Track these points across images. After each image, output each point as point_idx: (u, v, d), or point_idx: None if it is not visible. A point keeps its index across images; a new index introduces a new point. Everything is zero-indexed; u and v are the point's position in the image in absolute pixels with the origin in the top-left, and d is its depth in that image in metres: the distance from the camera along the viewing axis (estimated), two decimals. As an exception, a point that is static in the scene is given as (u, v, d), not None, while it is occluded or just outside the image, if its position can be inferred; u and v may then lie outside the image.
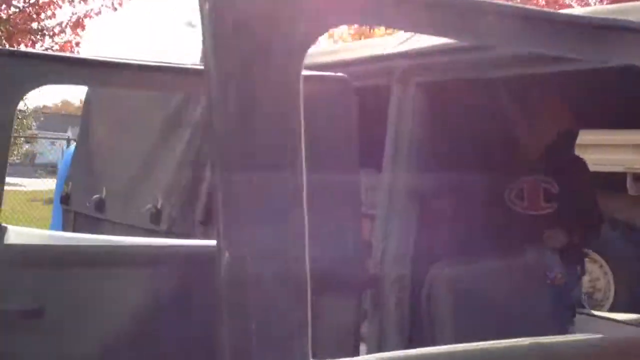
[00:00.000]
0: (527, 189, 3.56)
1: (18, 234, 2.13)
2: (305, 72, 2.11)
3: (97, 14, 13.00)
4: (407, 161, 2.41)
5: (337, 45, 8.85)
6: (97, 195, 3.48)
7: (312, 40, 0.95)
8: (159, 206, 3.23)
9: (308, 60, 1.05)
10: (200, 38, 0.93)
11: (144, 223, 3.28)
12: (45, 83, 2.11)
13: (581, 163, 3.79)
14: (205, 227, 3.17)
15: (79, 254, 2.15)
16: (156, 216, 3.22)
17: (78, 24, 12.92)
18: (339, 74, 2.29)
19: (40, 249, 2.15)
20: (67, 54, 9.04)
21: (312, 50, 1.01)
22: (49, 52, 7.92)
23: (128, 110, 3.51)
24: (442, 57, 2.32)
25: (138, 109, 3.50)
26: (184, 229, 3.14)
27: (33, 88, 2.10)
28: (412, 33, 2.37)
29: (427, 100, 2.46)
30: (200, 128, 3.12)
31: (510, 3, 1.13)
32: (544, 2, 12.14)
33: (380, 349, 2.35)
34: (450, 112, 2.56)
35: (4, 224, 2.14)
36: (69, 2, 12.88)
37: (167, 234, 3.19)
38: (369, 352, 2.35)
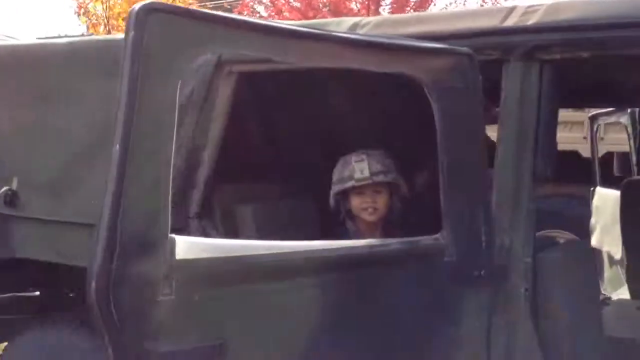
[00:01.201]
0: None
1: (189, 246, 1.78)
2: (429, 44, 1.90)
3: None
4: (529, 147, 2.21)
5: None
6: (6, 188, 3.01)
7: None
8: (127, 199, 2.97)
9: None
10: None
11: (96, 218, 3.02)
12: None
13: None
14: (201, 220, 2.89)
15: (266, 265, 1.83)
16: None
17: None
18: (463, 48, 2.14)
19: (220, 262, 1.80)
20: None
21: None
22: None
23: (48, 81, 3.08)
24: (585, 34, 2.13)
25: (67, 80, 3.09)
26: (173, 224, 2.87)
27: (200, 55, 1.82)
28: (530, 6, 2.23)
29: (554, 81, 2.25)
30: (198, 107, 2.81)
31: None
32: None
33: (508, 348, 2.16)
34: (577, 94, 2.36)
35: (172, 235, 1.75)
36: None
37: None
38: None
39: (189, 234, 2.82)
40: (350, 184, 2.91)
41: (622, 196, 4.09)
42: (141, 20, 1.62)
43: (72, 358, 3.12)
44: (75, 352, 3.15)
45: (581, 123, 8.39)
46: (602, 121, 5.83)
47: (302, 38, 1.90)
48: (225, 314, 1.74)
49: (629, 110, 5.14)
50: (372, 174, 2.89)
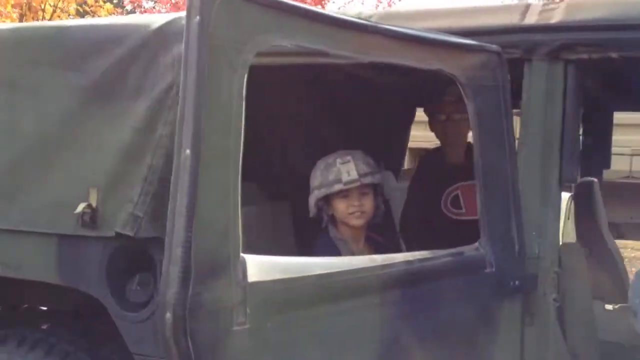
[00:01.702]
0: (464, 195, 3.46)
1: (260, 266, 1.56)
2: (464, 40, 1.72)
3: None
4: (555, 150, 2.10)
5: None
6: None
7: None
8: (94, 204, 2.66)
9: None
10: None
11: (58, 226, 2.70)
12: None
13: None
14: None
15: (337, 284, 1.66)
16: (91, 217, 2.65)
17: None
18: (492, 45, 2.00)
19: (294, 284, 1.62)
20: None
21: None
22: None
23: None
24: (615, 33, 2.04)
25: (13, 70, 2.81)
26: (151, 232, 2.59)
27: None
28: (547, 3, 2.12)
29: (578, 81, 2.14)
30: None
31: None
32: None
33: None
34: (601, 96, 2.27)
35: (243, 255, 1.53)
36: None
37: (113, 239, 2.63)
38: None
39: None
40: (337, 187, 2.75)
41: (575, 197, 4.16)
42: (207, 4, 1.38)
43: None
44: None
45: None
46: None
47: (359, 30, 1.72)
48: (298, 340, 1.53)
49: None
50: (360, 175, 2.74)
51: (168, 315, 1.34)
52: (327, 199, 2.80)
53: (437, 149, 3.88)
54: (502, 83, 2.07)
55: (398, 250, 2.99)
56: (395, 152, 5.00)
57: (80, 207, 2.62)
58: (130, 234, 2.54)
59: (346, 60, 2.33)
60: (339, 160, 2.76)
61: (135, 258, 2.67)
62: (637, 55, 2.11)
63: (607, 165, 4.51)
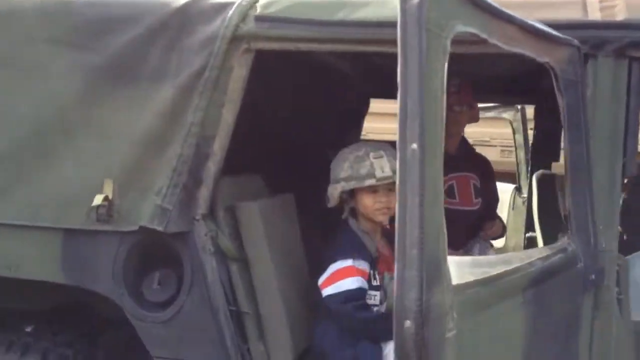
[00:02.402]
0: (458, 185, 3.48)
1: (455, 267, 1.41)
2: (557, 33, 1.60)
3: None
4: (620, 146, 2.09)
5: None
6: None
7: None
8: (110, 196, 2.42)
9: None
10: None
11: (65, 220, 2.45)
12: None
13: (486, 159, 3.90)
14: (207, 223, 2.45)
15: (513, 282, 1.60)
16: (107, 210, 2.41)
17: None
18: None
19: (487, 284, 1.52)
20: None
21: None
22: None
23: None
24: None
25: (7, 48, 2.55)
26: (181, 226, 2.38)
27: None
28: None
29: None
30: (209, 90, 2.36)
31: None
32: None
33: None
34: None
35: None
36: None
37: (130, 234, 2.40)
38: None
39: (192, 239, 2.41)
40: (369, 182, 2.63)
41: (538, 187, 4.29)
42: None
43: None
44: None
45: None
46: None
47: (508, 21, 1.65)
48: (483, 341, 1.45)
49: (519, 107, 5.42)
50: (393, 172, 2.65)
51: (408, 323, 1.21)
52: (352, 192, 2.72)
53: None
54: (582, 78, 2.09)
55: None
56: (348, 144, 4.97)
57: (97, 200, 2.39)
58: (160, 228, 2.35)
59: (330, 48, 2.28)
60: (372, 155, 2.65)
61: (156, 254, 2.48)
62: None
63: (557, 158, 4.70)
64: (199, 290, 2.40)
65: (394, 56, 3.15)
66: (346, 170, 2.66)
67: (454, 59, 1.58)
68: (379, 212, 2.70)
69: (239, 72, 2.41)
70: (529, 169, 4.99)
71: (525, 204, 5.09)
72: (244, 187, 2.74)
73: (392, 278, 2.84)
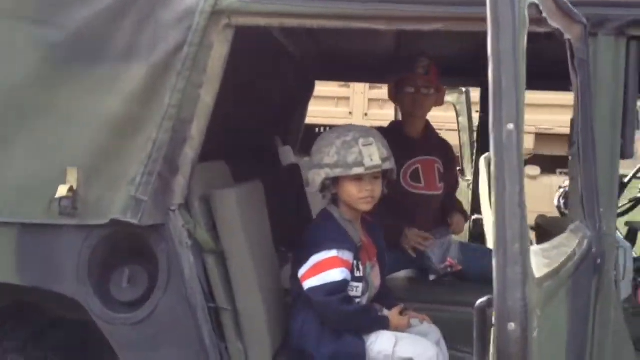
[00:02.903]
0: (423, 170, 3.43)
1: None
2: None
3: None
4: (619, 126, 2.03)
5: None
6: None
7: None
8: (74, 186, 2.18)
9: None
10: None
11: (21, 214, 2.21)
12: None
13: (448, 143, 3.85)
14: (183, 213, 2.24)
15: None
16: (71, 202, 2.17)
17: None
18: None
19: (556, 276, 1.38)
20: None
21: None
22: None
23: None
24: None
25: None
26: (157, 218, 2.16)
27: None
28: None
29: (638, 58, 2.06)
30: (187, 69, 2.16)
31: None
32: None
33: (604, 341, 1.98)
34: None
35: None
36: None
37: (97, 228, 2.19)
38: None
39: (168, 232, 2.21)
40: (357, 171, 2.48)
41: (489, 170, 4.29)
42: None
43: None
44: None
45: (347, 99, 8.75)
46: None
47: None
48: (544, 336, 1.33)
49: (463, 89, 5.41)
50: (382, 160, 2.52)
51: (513, 326, 1.08)
52: (336, 179, 2.57)
53: (394, 123, 3.78)
54: (588, 57, 2.02)
55: (381, 229, 2.84)
56: (294, 127, 4.83)
57: (61, 191, 2.14)
58: (134, 221, 2.13)
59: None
60: (361, 141, 2.49)
61: (124, 249, 2.26)
62: None
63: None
64: (175, 287, 2.21)
65: (342, 36, 3.03)
66: (332, 157, 2.50)
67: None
68: (363, 201, 2.56)
69: (219, 49, 2.21)
70: (474, 152, 5.00)
71: (471, 186, 5.11)
72: (213, 174, 2.55)
73: (373, 267, 2.76)
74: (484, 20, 2.18)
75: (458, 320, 3.00)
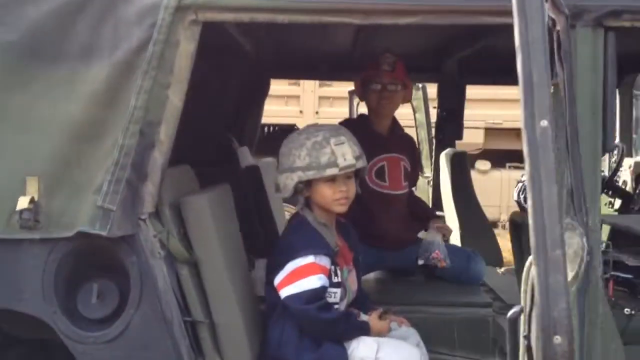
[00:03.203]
0: (389, 167, 3.39)
1: None
2: None
3: None
4: (600, 119, 1.99)
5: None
6: None
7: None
8: (35, 197, 2.02)
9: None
10: None
11: None
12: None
13: (413, 140, 3.81)
14: (154, 222, 2.10)
15: None
16: (33, 215, 2.01)
17: None
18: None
19: None
20: None
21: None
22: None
23: None
24: None
25: None
26: (122, 230, 2.01)
27: None
28: None
29: (614, 49, 2.01)
30: (153, 68, 2.03)
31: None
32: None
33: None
34: None
35: None
36: None
37: (62, 241, 2.04)
38: None
39: (139, 243, 2.08)
40: (331, 171, 2.39)
41: (451, 166, 4.28)
42: None
43: None
44: None
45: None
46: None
47: None
48: None
49: (420, 85, 5.38)
50: (355, 159, 2.43)
51: (559, 339, 0.99)
52: (309, 181, 2.47)
53: (361, 117, 3.64)
54: (570, 49, 1.98)
55: (354, 230, 2.76)
56: (250, 126, 4.71)
57: (22, 203, 1.99)
58: (103, 232, 1.99)
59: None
60: (333, 141, 2.38)
61: (91, 263, 2.12)
62: None
63: (460, 136, 4.70)
64: (149, 302, 2.07)
65: (300, 33, 2.94)
66: (304, 159, 2.39)
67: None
68: (337, 203, 2.47)
69: (186, 47, 2.09)
70: (433, 148, 4.98)
71: (431, 183, 5.09)
72: (179, 179, 2.42)
73: (350, 272, 2.67)
74: (459, 12, 2.18)
75: (434, 321, 2.98)
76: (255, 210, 3.80)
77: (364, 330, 2.48)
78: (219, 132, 4.11)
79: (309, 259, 2.39)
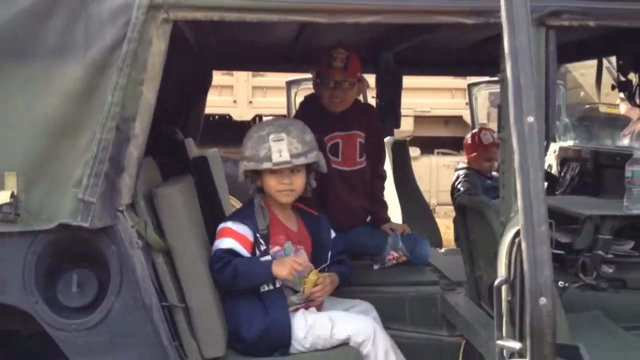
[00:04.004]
0: (343, 145, 3.51)
1: None
2: None
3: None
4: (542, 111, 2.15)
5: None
6: None
7: None
8: (15, 192, 2.07)
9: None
10: None
11: None
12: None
13: (372, 108, 4.03)
14: (130, 214, 2.19)
15: None
16: (13, 209, 2.06)
17: None
18: None
19: None
20: None
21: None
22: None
23: None
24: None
25: None
26: (101, 221, 2.10)
27: None
28: None
29: (554, 46, 2.18)
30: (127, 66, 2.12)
31: None
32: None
33: None
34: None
35: None
36: None
37: (42, 234, 2.12)
38: None
39: (118, 233, 2.17)
40: (266, 165, 2.57)
41: (392, 153, 4.48)
42: None
43: None
44: None
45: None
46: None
47: None
48: None
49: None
50: (292, 156, 2.58)
51: (544, 300, 1.15)
52: (257, 171, 2.62)
53: (315, 96, 3.64)
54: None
55: (319, 213, 2.90)
56: (193, 118, 4.78)
57: (2, 197, 2.04)
58: (85, 224, 2.07)
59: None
60: (272, 137, 2.55)
61: (69, 253, 2.19)
62: (610, 24, 2.37)
63: (398, 125, 4.91)
64: (128, 289, 2.17)
65: (244, 27, 3.06)
66: (249, 150, 2.61)
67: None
68: (281, 194, 2.66)
69: (158, 45, 2.18)
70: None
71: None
72: (145, 171, 2.51)
73: (296, 251, 2.76)
74: (422, 12, 2.34)
75: (387, 300, 3.17)
76: (204, 200, 3.91)
77: (267, 270, 2.56)
78: (164, 124, 4.17)
79: (227, 224, 2.63)
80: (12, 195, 2.06)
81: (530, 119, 1.34)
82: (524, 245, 1.31)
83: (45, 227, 2.10)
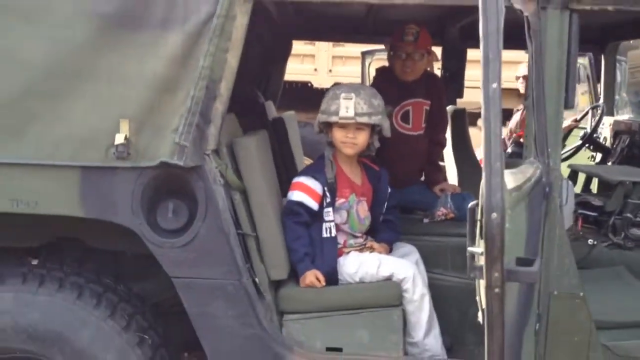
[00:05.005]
0: (413, 111, 3.95)
1: None
2: None
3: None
4: (563, 83, 2.57)
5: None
6: None
7: None
8: (128, 135, 2.65)
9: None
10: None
11: (82, 158, 2.65)
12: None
13: (438, 78, 4.36)
14: (214, 157, 2.71)
15: None
16: (126, 149, 2.64)
17: None
18: None
19: None
20: None
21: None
22: None
23: None
24: None
25: None
26: (196, 161, 2.63)
27: None
28: None
29: (577, 27, 2.58)
30: (216, 36, 2.60)
31: None
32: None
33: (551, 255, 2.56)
34: None
35: None
36: None
37: (148, 169, 2.65)
38: None
39: (205, 172, 2.70)
40: (333, 119, 3.05)
41: (451, 121, 4.87)
42: None
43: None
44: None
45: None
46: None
47: None
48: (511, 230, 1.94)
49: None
50: (356, 114, 3.04)
51: (495, 215, 1.64)
52: (328, 124, 3.11)
53: (389, 68, 4.04)
54: (540, 27, 2.55)
55: (380, 168, 3.35)
56: (274, 84, 5.29)
57: (118, 139, 2.61)
58: (180, 163, 2.62)
59: None
60: (343, 95, 3.03)
61: (168, 187, 2.75)
62: (628, 9, 2.71)
63: (461, 95, 5.28)
64: (212, 217, 2.71)
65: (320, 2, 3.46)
66: (324, 104, 3.09)
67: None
68: (344, 145, 3.12)
69: (241, 19, 2.67)
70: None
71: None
72: (229, 125, 3.05)
73: (359, 202, 3.29)
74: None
75: (431, 247, 3.59)
76: (280, 156, 4.44)
77: (302, 268, 3.02)
78: (248, 88, 4.70)
79: (300, 178, 3.12)
80: (125, 138, 2.62)
81: (494, 85, 1.77)
82: (483, 176, 1.75)
83: (149, 164, 2.66)
